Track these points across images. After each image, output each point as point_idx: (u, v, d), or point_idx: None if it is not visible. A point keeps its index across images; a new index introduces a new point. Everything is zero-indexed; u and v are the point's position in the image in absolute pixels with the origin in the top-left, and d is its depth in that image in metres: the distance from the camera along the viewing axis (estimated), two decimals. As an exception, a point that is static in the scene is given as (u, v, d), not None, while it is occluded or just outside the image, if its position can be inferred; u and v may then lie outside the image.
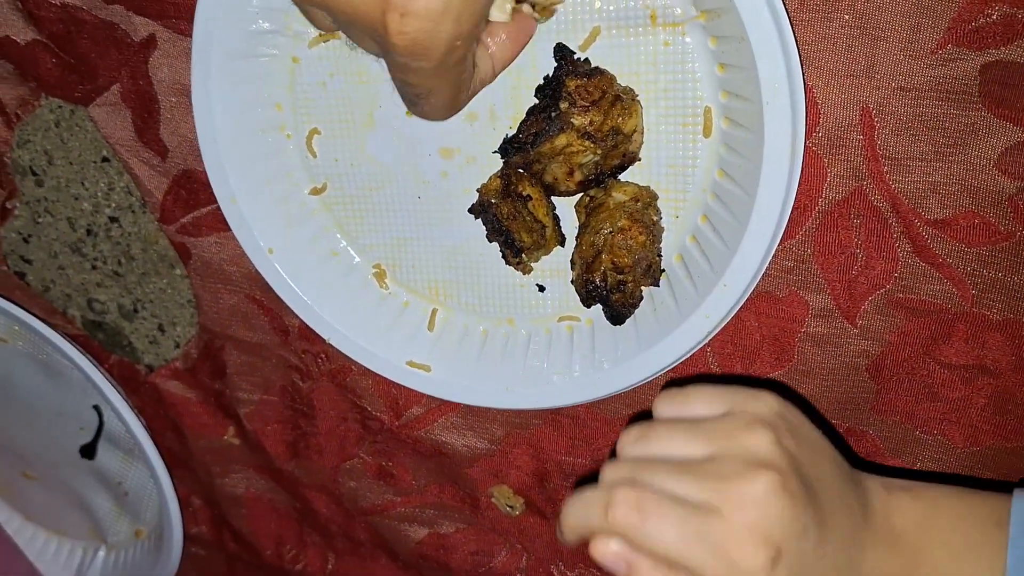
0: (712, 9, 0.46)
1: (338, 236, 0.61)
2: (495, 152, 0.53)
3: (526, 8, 0.48)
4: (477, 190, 0.55)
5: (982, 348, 0.51)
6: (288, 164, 0.60)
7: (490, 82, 0.48)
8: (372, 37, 0.40)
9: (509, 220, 0.53)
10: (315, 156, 0.59)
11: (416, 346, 0.61)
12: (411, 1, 0.37)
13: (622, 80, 0.50)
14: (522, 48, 0.48)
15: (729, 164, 0.49)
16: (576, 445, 0.63)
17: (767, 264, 0.49)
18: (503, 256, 0.55)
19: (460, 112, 0.54)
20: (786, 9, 0.44)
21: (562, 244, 0.56)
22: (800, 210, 0.51)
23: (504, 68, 0.48)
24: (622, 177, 0.53)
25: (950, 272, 0.50)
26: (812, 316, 0.53)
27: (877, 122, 0.48)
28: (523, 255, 0.55)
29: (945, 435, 0.54)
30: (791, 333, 0.54)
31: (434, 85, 0.43)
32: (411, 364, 0.60)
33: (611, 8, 0.49)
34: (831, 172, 0.50)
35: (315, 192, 0.60)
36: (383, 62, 0.44)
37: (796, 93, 0.45)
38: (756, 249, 0.48)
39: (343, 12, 0.39)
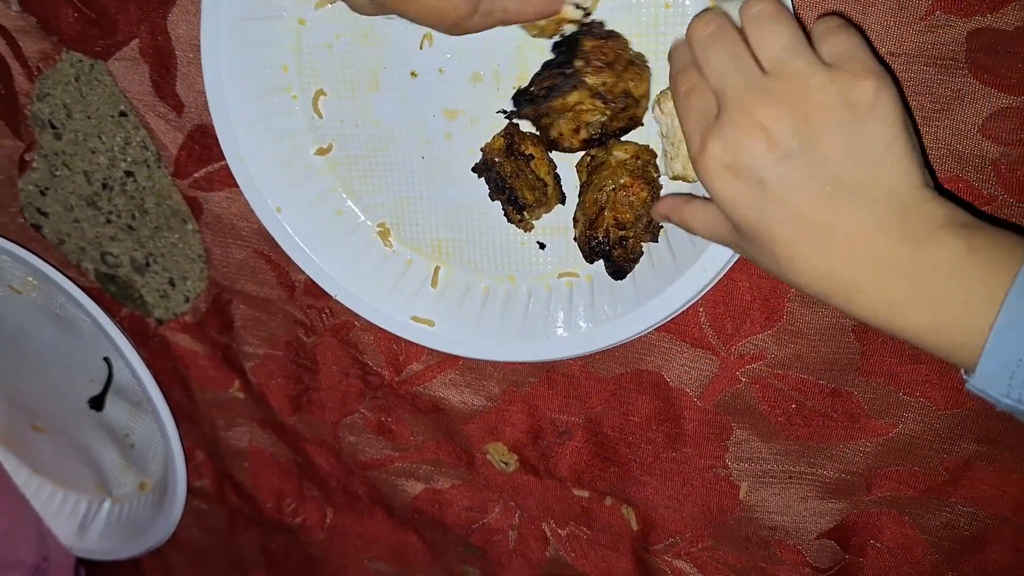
0: (711, -32, 0.48)
1: (343, 195, 0.63)
2: (500, 112, 0.55)
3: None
4: (481, 149, 0.57)
5: (964, 311, 0.53)
6: (294, 125, 0.62)
7: (513, 22, 0.50)
8: None
9: (512, 178, 0.55)
10: (321, 117, 0.61)
11: (420, 302, 0.63)
12: None
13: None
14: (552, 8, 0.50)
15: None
16: (570, 403, 0.65)
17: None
18: (505, 214, 0.57)
19: (465, 73, 0.56)
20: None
21: (563, 202, 0.58)
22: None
23: (533, 17, 0.50)
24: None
25: (934, 235, 0.51)
26: (801, 277, 0.55)
27: (867, 86, 0.50)
28: (525, 212, 0.56)
29: (927, 397, 0.56)
30: (780, 293, 0.56)
31: None
32: (415, 319, 0.62)
33: (613, -29, 0.51)
34: (822, 135, 0.52)
35: (321, 152, 0.62)
36: (388, 21, 0.46)
37: None
38: None
39: None
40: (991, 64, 0.47)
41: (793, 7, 0.46)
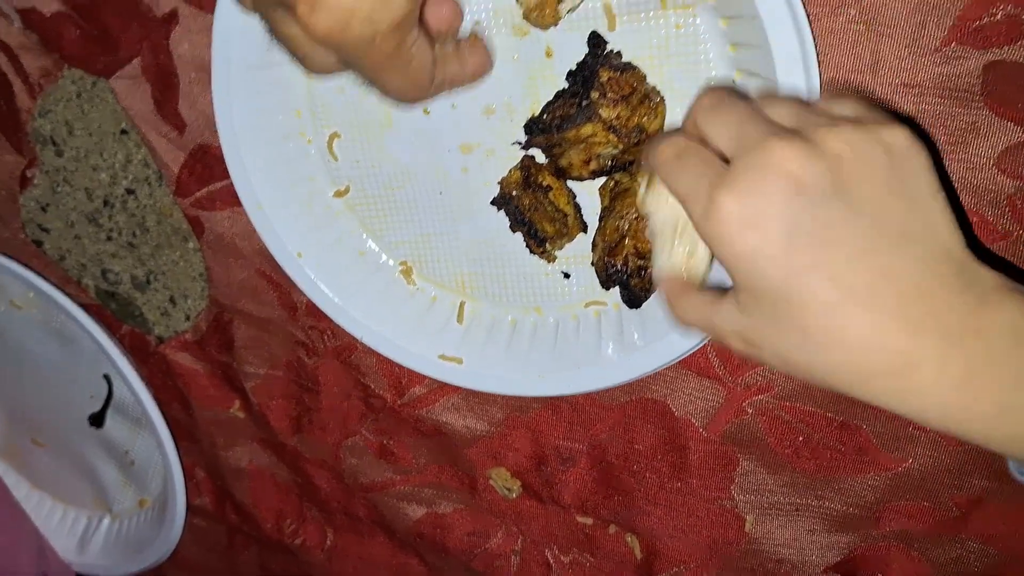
0: (722, -11, 0.47)
1: (364, 236, 0.62)
2: (513, 143, 0.55)
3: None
4: (498, 183, 0.56)
5: (977, 346, 0.52)
6: (311, 169, 0.61)
7: (463, 84, 0.50)
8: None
9: (531, 211, 0.54)
10: (336, 160, 0.60)
11: (447, 339, 0.62)
12: None
13: (635, 63, 0.51)
14: (485, 71, 0.50)
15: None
16: (574, 430, 0.64)
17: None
18: (527, 246, 0.56)
19: (478, 106, 0.55)
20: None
21: (584, 231, 0.57)
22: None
23: (472, 79, 0.50)
24: None
25: (947, 269, 0.50)
26: (810, 308, 0.54)
27: (880, 118, 0.49)
28: (547, 244, 0.55)
29: (937, 432, 0.55)
30: (789, 325, 0.55)
31: (370, 75, 0.43)
32: (443, 357, 0.61)
33: (623, -6, 0.50)
34: (833, 166, 0.51)
35: (339, 195, 0.61)
36: None
37: (809, 60, 0.45)
38: None
39: None
40: (1007, 97, 0.46)
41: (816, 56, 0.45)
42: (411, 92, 0.46)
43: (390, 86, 0.44)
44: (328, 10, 0.38)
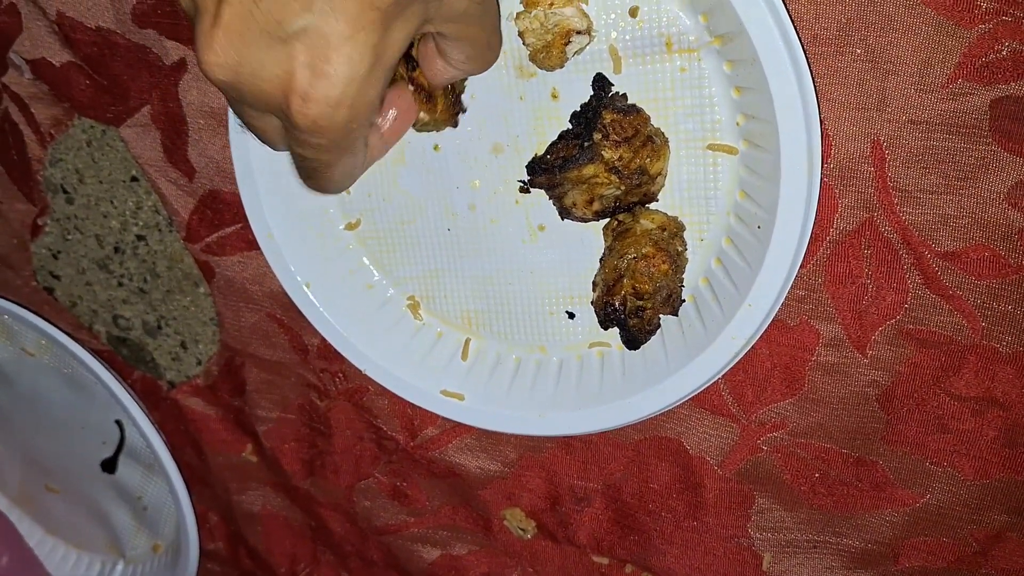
0: (725, 33, 0.47)
1: (372, 269, 0.63)
2: (519, 182, 0.55)
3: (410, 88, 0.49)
4: None
5: (992, 380, 0.51)
6: (323, 201, 0.61)
7: (379, 158, 0.50)
8: (276, 115, 0.41)
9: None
10: (349, 193, 0.60)
11: (450, 375, 0.62)
12: (312, 88, 0.38)
13: (641, 104, 0.51)
14: (407, 128, 0.50)
15: (750, 185, 0.50)
16: (589, 469, 0.64)
17: (790, 284, 0.50)
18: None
19: (486, 144, 0.55)
20: (801, 43, 0.45)
21: (454, 125, 0.55)
22: (812, 240, 0.51)
23: (393, 144, 0.50)
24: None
25: (960, 304, 0.50)
26: (823, 345, 0.54)
27: (888, 154, 0.49)
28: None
29: (955, 467, 0.54)
30: (802, 362, 0.55)
31: (330, 160, 0.44)
32: (445, 393, 0.61)
33: (627, 37, 0.50)
34: (842, 203, 0.51)
35: (350, 227, 0.62)
36: None
37: (809, 105, 0.45)
38: (779, 266, 0.49)
39: (251, 95, 0.40)
40: (1016, 132, 0.46)
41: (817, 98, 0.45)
42: (354, 175, 0.47)
43: (336, 172, 0.45)
44: (317, 102, 0.39)
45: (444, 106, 0.53)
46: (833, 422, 0.56)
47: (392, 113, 0.49)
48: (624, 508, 0.64)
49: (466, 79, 0.54)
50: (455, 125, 0.55)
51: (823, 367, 0.54)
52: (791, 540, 0.60)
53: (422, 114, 0.52)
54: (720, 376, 0.56)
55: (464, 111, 0.56)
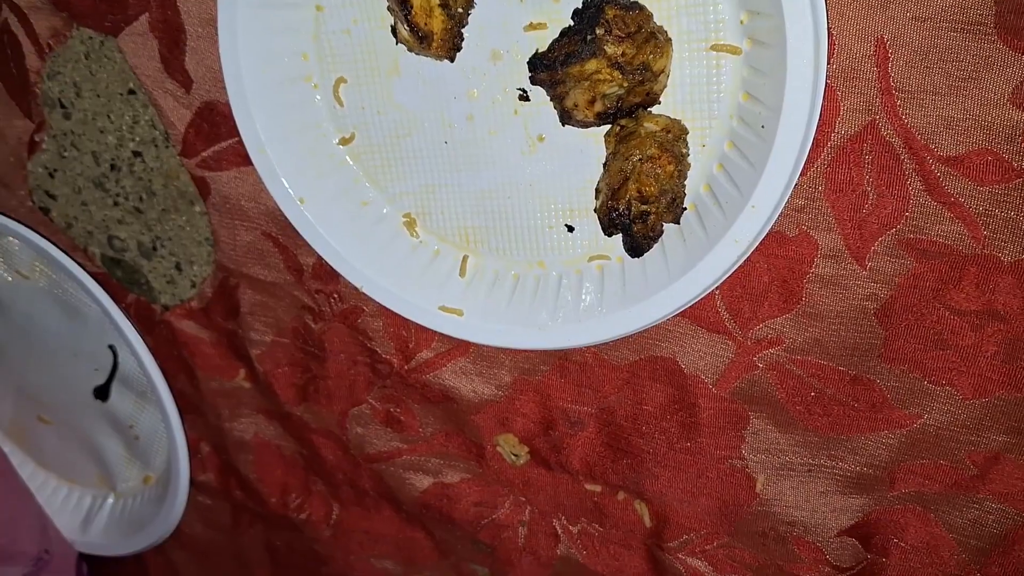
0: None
1: (367, 185, 0.62)
2: (519, 89, 0.54)
3: None
4: None
5: (992, 292, 0.51)
6: (316, 114, 0.61)
7: None
8: None
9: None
10: (342, 105, 0.60)
11: (448, 292, 0.61)
12: None
13: (643, 2, 0.51)
14: None
15: (753, 85, 0.49)
16: (582, 392, 0.63)
17: (795, 181, 0.49)
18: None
19: (484, 51, 0.55)
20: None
21: (451, 59, 0.55)
22: (813, 146, 0.51)
23: None
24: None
25: (962, 212, 0.49)
26: (821, 256, 0.53)
27: (891, 53, 0.48)
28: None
29: (953, 385, 0.53)
30: (800, 275, 0.54)
31: None
32: (443, 309, 0.61)
33: (629, -68, 0.50)
34: (844, 105, 0.50)
35: (344, 142, 0.61)
36: None
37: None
38: (784, 160, 0.48)
39: None
40: (1021, 29, 0.45)
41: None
42: None
43: None
44: None
45: (440, 41, 0.53)
46: (830, 338, 0.55)
47: None
48: (617, 431, 0.63)
49: (467, 15, 0.54)
50: (452, 60, 0.55)
51: (821, 279, 0.54)
52: (785, 463, 0.59)
53: (418, 49, 0.53)
54: (717, 288, 0.55)
55: (460, 49, 0.55)
